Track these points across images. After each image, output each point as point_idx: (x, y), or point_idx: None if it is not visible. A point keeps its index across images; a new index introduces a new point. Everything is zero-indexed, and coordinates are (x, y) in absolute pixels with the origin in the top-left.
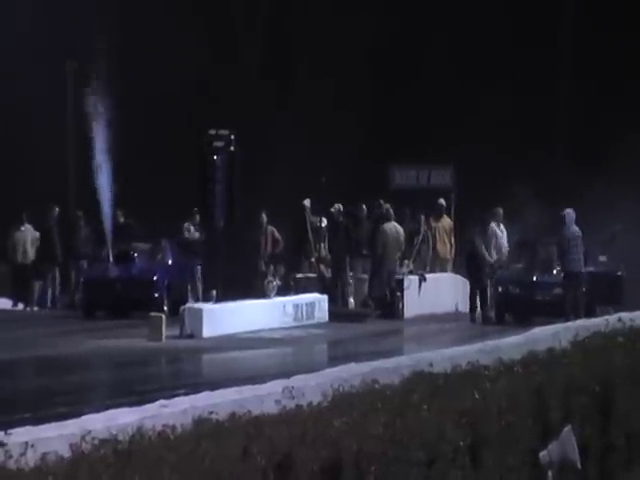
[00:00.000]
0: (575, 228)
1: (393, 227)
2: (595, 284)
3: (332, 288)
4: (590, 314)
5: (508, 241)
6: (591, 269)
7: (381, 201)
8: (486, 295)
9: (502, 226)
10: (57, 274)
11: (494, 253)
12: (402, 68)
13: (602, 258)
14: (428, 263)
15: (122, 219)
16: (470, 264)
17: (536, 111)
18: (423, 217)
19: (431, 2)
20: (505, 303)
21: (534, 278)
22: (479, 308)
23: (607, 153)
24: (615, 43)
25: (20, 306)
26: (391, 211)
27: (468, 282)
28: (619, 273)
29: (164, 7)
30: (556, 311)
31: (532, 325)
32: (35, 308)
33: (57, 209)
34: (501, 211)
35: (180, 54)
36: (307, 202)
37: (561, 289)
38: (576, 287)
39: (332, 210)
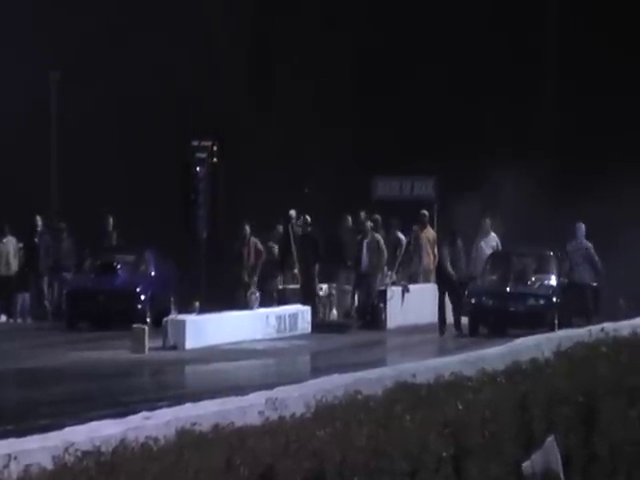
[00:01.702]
0: (583, 241)
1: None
2: (572, 295)
3: (305, 298)
4: (567, 325)
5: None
6: (566, 280)
7: (362, 213)
8: (458, 308)
9: (490, 238)
10: (43, 286)
11: (464, 267)
12: (386, 78)
13: None
14: (420, 274)
15: (111, 227)
16: (439, 276)
17: (521, 122)
18: (414, 228)
19: (416, 12)
20: (479, 314)
21: (508, 289)
22: (449, 320)
23: (596, 157)
24: (601, 43)
25: (3, 318)
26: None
27: (438, 294)
28: (595, 284)
29: (148, 12)
30: (530, 322)
31: (506, 337)
32: (18, 320)
33: (39, 220)
34: (488, 222)
35: (163, 64)
36: (293, 212)
37: (535, 300)
38: (580, 298)
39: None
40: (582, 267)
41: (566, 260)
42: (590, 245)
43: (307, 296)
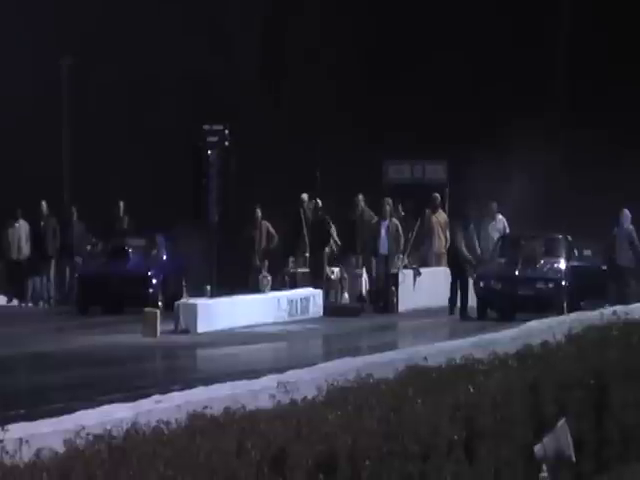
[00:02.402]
0: (629, 226)
1: None
2: (580, 278)
3: (314, 282)
4: (576, 308)
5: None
6: (575, 263)
7: (360, 196)
8: (466, 291)
9: (497, 221)
10: (51, 270)
11: (478, 249)
12: (396, 62)
13: (587, 252)
14: (432, 257)
15: (122, 211)
16: (450, 259)
17: (532, 104)
18: (426, 211)
19: None
20: (487, 298)
21: (517, 273)
22: (459, 303)
23: (605, 150)
24: (611, 40)
25: (15, 302)
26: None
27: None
28: (604, 267)
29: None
30: (539, 306)
31: (514, 321)
32: (30, 304)
33: (45, 205)
34: (494, 205)
35: (175, 48)
36: (305, 196)
37: (544, 283)
38: (620, 279)
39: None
40: (626, 252)
41: (608, 243)
42: (632, 228)
43: (316, 280)
